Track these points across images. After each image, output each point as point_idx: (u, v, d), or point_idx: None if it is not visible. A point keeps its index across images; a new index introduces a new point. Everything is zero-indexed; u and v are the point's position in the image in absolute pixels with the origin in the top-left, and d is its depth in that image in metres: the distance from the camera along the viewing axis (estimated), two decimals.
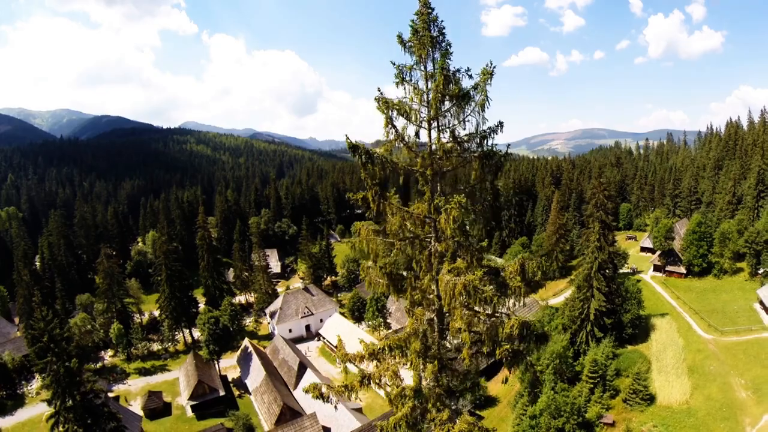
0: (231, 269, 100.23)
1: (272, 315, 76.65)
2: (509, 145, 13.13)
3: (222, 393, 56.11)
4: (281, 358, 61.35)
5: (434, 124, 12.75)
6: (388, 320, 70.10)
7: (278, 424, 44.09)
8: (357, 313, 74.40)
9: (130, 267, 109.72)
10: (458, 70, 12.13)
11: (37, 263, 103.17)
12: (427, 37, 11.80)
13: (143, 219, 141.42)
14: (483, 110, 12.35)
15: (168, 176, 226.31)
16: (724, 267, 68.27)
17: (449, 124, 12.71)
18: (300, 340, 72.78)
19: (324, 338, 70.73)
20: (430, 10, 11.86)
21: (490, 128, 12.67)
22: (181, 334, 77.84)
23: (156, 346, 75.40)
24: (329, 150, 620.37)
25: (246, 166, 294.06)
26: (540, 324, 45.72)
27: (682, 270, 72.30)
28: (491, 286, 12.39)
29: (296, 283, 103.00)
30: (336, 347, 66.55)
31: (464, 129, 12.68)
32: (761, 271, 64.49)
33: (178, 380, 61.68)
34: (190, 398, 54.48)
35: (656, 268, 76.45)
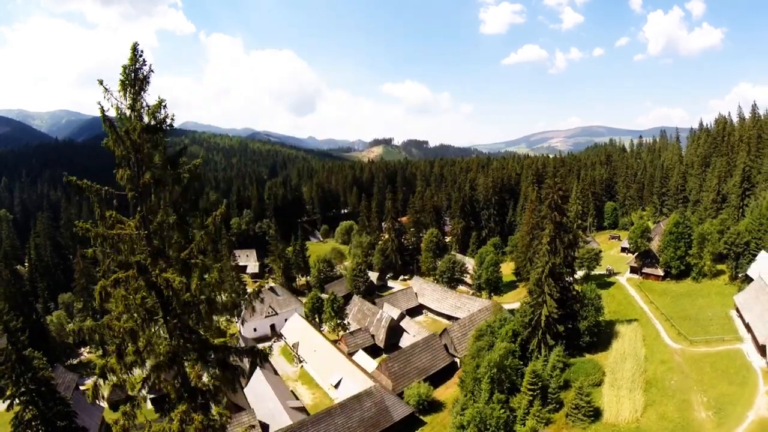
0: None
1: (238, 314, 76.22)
2: (197, 165, 14.94)
3: None
4: None
5: (137, 152, 14.20)
6: (347, 321, 68.99)
7: None
8: (317, 314, 73.92)
9: None
10: (161, 103, 13.82)
11: (26, 263, 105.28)
12: (131, 80, 13.53)
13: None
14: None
15: None
16: (704, 269, 65.05)
17: (144, 151, 14.16)
18: (265, 339, 72.33)
19: (284, 338, 70.28)
20: (136, 56, 13.47)
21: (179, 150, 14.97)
22: None
23: None
24: (327, 149, 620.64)
25: (238, 166, 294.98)
26: (489, 329, 43.83)
27: (660, 272, 69.43)
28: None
29: (272, 283, 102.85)
30: (293, 346, 65.36)
31: (162, 155, 14.53)
32: (741, 274, 61.39)
33: None
34: (150, 392, 54.90)
35: (633, 270, 73.59)
